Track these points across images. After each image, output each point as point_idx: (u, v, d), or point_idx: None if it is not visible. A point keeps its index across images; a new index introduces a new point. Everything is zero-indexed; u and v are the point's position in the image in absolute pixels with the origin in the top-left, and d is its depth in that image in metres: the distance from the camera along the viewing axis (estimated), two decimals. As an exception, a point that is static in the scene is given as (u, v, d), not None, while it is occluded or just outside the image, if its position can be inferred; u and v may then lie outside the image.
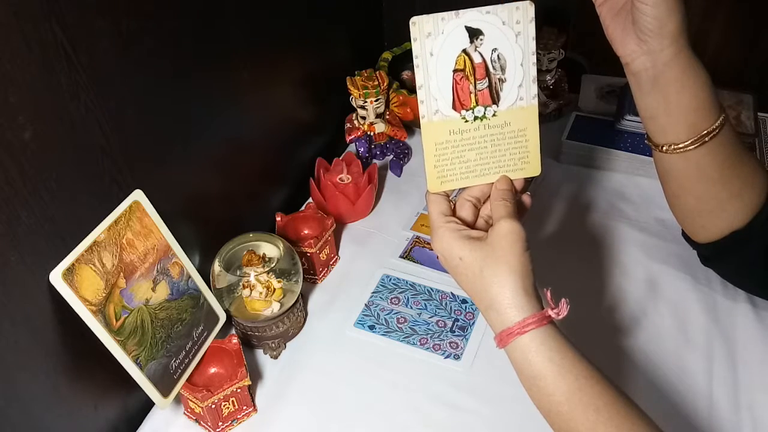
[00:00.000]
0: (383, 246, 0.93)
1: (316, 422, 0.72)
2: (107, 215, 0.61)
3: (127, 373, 0.62)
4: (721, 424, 0.68)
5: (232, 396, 0.69)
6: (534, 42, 0.55)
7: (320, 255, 0.87)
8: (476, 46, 0.55)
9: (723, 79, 1.06)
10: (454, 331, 0.80)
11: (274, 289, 0.76)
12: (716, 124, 0.63)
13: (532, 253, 0.55)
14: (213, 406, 0.68)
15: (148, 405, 0.73)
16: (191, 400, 0.69)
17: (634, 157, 0.99)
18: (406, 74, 1.16)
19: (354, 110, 1.05)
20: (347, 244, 0.94)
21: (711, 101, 0.63)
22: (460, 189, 0.61)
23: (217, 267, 0.76)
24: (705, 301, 0.81)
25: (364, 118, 1.04)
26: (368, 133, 1.05)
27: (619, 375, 0.73)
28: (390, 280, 0.87)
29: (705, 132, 0.63)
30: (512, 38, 0.55)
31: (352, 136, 1.04)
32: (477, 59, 0.55)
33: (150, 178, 0.67)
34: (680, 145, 0.64)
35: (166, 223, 0.66)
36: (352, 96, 1.02)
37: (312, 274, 0.87)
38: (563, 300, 0.54)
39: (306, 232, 0.92)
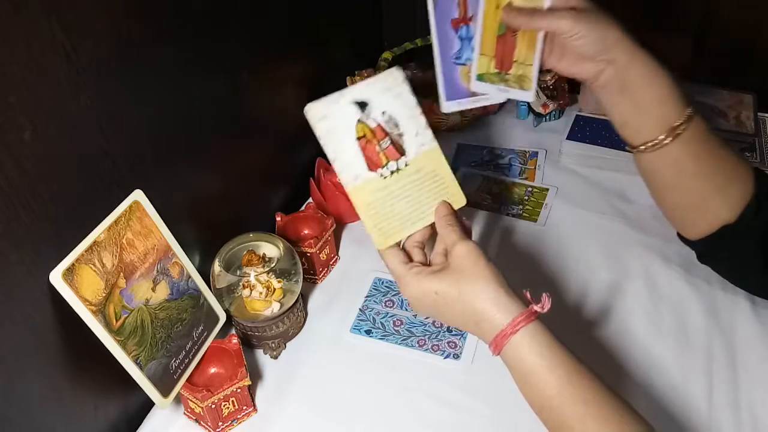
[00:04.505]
0: (383, 246, 0.93)
1: (316, 422, 0.72)
2: (107, 215, 0.61)
3: (127, 373, 0.62)
4: (720, 423, 0.68)
5: (232, 396, 0.69)
6: (413, 97, 0.61)
7: (320, 255, 0.87)
8: (368, 114, 0.61)
9: (723, 79, 1.06)
10: (452, 330, 0.80)
11: (274, 289, 0.76)
12: (685, 116, 0.65)
13: (495, 263, 0.58)
14: (213, 406, 0.68)
15: (148, 405, 0.73)
16: (191, 400, 0.69)
17: (634, 157, 0.99)
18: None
19: (354, 110, 1.05)
20: (347, 244, 0.94)
21: (676, 94, 0.65)
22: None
23: (217, 267, 0.76)
24: (705, 300, 0.81)
25: (364, 118, 1.04)
26: (368, 133, 1.05)
27: (619, 374, 0.73)
28: (382, 283, 0.87)
29: (675, 124, 0.65)
30: (394, 99, 0.61)
31: (352, 136, 1.04)
32: (372, 124, 0.61)
33: (150, 178, 0.67)
34: (655, 142, 0.66)
35: (166, 223, 0.66)
36: (352, 96, 1.02)
37: (312, 274, 0.87)
38: (544, 294, 0.57)
39: (306, 232, 0.92)
